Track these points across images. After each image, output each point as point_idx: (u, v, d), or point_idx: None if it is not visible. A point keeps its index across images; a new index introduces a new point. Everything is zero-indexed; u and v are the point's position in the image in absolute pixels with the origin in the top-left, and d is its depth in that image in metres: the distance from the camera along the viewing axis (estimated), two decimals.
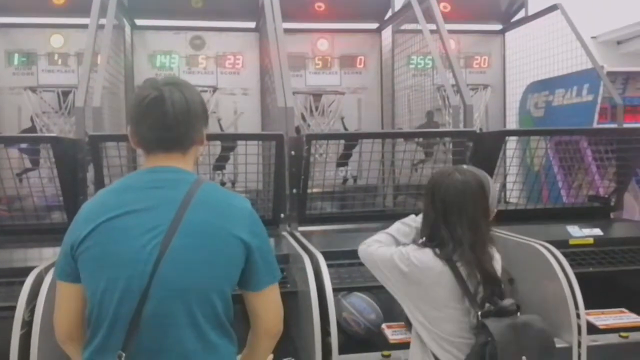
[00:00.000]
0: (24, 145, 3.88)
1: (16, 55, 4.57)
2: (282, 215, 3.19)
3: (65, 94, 4.32)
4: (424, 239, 1.93)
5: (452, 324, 1.83)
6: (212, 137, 3.26)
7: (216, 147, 3.72)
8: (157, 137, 1.49)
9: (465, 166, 2.05)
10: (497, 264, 1.95)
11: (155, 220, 1.41)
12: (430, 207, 1.90)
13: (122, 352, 1.37)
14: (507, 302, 1.82)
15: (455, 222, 1.84)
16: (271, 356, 1.71)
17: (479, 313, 1.79)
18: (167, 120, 1.46)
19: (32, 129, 4.34)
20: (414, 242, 1.99)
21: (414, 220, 2.11)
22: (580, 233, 3.17)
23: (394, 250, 1.94)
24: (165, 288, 1.38)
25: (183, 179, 1.48)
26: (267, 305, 1.55)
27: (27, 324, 2.08)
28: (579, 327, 2.40)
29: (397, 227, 2.12)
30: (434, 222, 1.89)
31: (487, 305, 1.83)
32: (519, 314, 1.85)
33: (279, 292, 1.58)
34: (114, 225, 1.41)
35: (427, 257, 1.85)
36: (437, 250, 1.85)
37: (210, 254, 1.43)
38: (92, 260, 1.42)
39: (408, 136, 3.54)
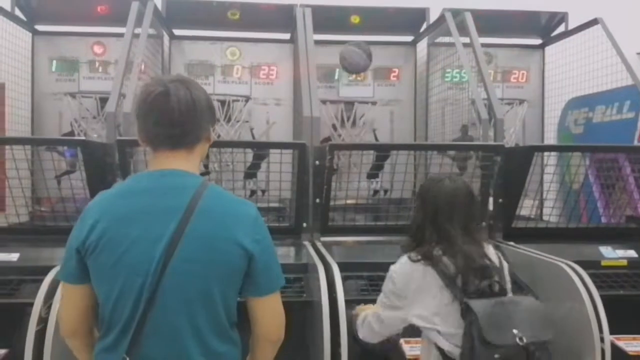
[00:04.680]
0: (62, 149, 4.01)
1: (59, 62, 4.76)
2: (304, 224, 3.19)
3: (104, 100, 4.41)
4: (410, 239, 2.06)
5: (446, 317, 1.88)
6: (235, 145, 3.32)
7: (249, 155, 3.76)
8: (162, 133, 1.48)
9: (455, 176, 2.17)
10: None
11: (160, 229, 1.41)
12: (421, 210, 2.03)
13: (126, 356, 1.40)
14: (485, 282, 1.88)
15: (445, 222, 1.95)
16: None
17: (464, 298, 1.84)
18: (173, 116, 1.45)
19: (72, 133, 4.47)
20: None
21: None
22: (614, 254, 3.06)
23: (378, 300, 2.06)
24: (168, 299, 1.40)
25: (187, 184, 1.47)
26: (267, 311, 1.54)
27: (44, 321, 2.14)
28: (603, 351, 2.30)
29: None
30: (421, 223, 2.01)
31: None
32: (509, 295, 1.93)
33: (280, 299, 1.56)
34: (123, 233, 1.41)
35: (404, 266, 1.97)
36: (412, 254, 1.96)
37: (213, 266, 1.43)
38: (104, 267, 1.43)
39: (435, 149, 3.49)
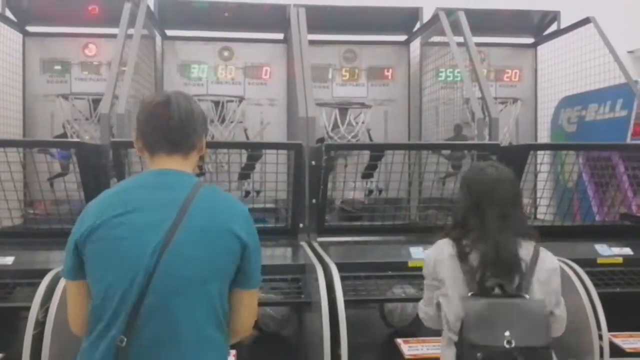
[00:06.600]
0: (54, 151, 3.97)
1: (51, 63, 4.71)
2: (300, 225, 3.18)
3: (96, 101, 4.37)
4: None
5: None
6: (232, 146, 3.30)
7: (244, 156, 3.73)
8: (162, 138, 1.57)
9: (497, 163, 2.09)
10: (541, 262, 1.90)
11: (158, 218, 1.46)
12: (467, 196, 1.96)
13: (123, 337, 1.40)
14: (490, 282, 1.81)
15: (486, 208, 1.88)
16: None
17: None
18: (172, 121, 1.56)
19: (64, 135, 4.43)
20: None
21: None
22: (609, 252, 3.07)
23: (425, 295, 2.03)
24: (166, 281, 1.43)
25: (185, 181, 1.56)
26: (248, 305, 1.59)
27: (41, 324, 2.12)
28: (601, 348, 2.31)
29: None
30: (467, 209, 1.94)
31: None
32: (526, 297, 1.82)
33: (257, 297, 1.63)
34: (119, 221, 1.46)
35: (437, 248, 1.96)
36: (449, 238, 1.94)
37: (210, 250, 1.48)
38: (99, 253, 1.46)
39: (431, 148, 3.49)
